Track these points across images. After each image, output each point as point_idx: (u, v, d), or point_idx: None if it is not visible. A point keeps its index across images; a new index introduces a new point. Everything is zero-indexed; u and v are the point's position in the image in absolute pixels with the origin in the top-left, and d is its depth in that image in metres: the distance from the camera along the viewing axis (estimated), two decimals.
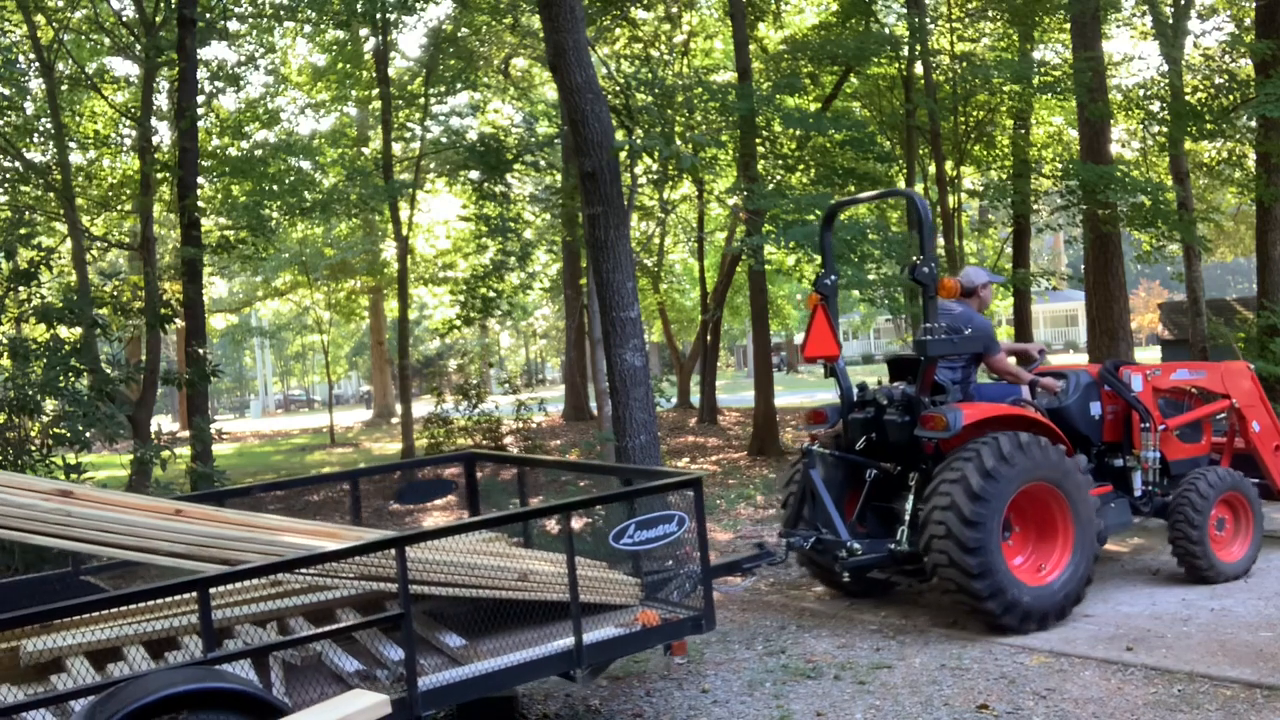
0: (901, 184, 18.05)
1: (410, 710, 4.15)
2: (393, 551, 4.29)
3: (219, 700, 3.62)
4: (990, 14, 17.42)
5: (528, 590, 4.80)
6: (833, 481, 7.00)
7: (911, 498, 6.65)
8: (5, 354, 10.82)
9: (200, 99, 15.10)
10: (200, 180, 15.47)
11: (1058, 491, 6.50)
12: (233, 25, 17.37)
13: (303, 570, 4.37)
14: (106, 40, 17.62)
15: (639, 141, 13.66)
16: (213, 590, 4.06)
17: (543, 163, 20.73)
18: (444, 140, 20.17)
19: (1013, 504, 6.38)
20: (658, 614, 4.92)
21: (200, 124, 15.54)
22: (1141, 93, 17.20)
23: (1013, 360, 7.47)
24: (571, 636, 4.58)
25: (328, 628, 4.48)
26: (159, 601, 4.50)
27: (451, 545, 4.74)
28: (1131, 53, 28.53)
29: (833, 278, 7.32)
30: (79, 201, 16.00)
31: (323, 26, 19.71)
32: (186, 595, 4.25)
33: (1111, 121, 16.84)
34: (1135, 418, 7.45)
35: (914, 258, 7.30)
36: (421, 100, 19.22)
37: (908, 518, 6.60)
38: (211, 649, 3.90)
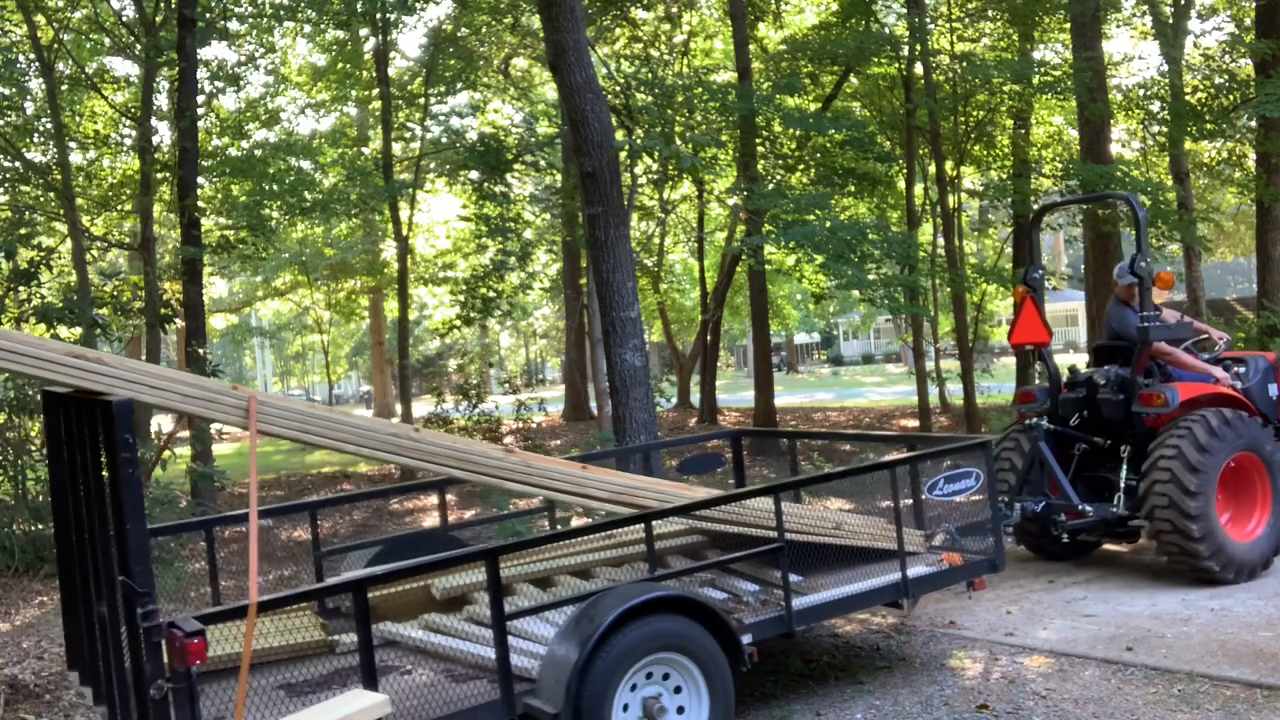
0: (901, 184, 18.05)
1: (788, 625, 5.04)
2: (770, 498, 5.17)
3: (681, 607, 4.57)
4: (990, 14, 17.39)
5: (841, 537, 5.63)
6: (1040, 454, 7.68)
7: (1125, 468, 7.45)
8: None
9: (200, 99, 15.08)
10: (200, 180, 15.44)
11: (1260, 460, 7.35)
12: (233, 25, 17.32)
13: (709, 511, 5.35)
14: (106, 40, 17.56)
15: (639, 141, 13.68)
16: (617, 530, 5.27)
17: (543, 163, 20.71)
18: (444, 140, 20.15)
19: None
20: (959, 556, 5.85)
21: (200, 124, 15.51)
22: (1141, 93, 17.15)
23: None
24: (896, 573, 5.42)
25: (736, 554, 5.33)
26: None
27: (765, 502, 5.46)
28: (1131, 53, 28.42)
29: (1039, 272, 8.12)
30: (79, 201, 15.95)
31: (323, 26, 19.68)
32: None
33: (1111, 121, 16.81)
34: None
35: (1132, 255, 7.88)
36: (421, 100, 19.20)
37: (1123, 485, 7.41)
38: (655, 570, 4.94)
